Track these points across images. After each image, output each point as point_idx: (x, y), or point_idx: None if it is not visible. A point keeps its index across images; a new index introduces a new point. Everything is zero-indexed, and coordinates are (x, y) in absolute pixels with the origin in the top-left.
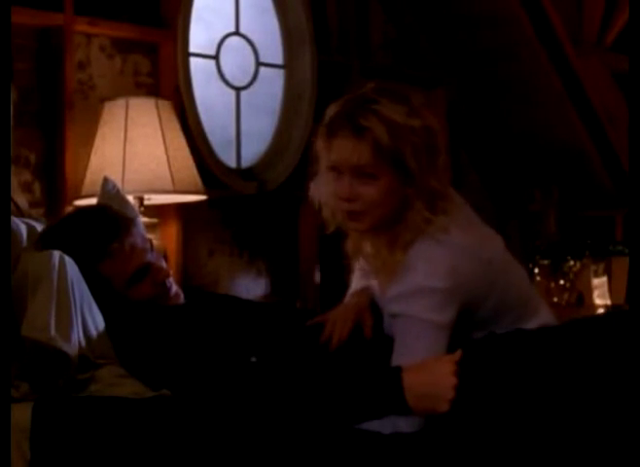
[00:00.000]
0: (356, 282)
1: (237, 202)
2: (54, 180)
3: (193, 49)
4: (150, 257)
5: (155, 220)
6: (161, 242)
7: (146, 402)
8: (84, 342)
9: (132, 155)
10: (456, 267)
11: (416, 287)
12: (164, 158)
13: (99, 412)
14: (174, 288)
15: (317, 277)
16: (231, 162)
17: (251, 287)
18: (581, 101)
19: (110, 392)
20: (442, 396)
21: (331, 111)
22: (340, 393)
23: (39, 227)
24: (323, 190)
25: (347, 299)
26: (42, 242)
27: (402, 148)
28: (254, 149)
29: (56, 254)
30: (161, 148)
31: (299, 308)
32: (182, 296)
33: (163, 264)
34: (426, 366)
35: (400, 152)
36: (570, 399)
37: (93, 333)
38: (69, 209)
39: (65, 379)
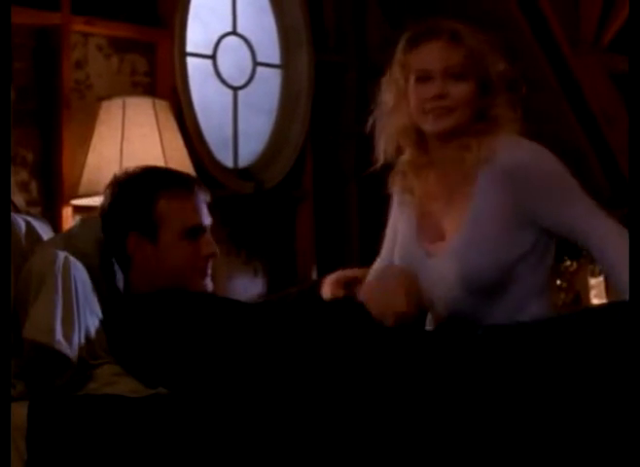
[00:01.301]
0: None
1: (234, 202)
2: (51, 179)
3: (190, 48)
4: (207, 223)
5: None
6: None
7: (142, 400)
8: (83, 344)
9: (129, 154)
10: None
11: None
12: (161, 157)
13: (95, 410)
14: (208, 280)
15: (314, 277)
16: (229, 162)
17: (248, 286)
18: (578, 102)
19: (107, 390)
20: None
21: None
22: None
23: (36, 223)
24: (398, 108)
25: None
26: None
27: (486, 56)
28: (251, 148)
29: (62, 254)
30: (159, 147)
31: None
32: (210, 288)
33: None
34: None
35: (485, 59)
36: (571, 392)
37: (92, 334)
38: (66, 209)
39: (62, 380)
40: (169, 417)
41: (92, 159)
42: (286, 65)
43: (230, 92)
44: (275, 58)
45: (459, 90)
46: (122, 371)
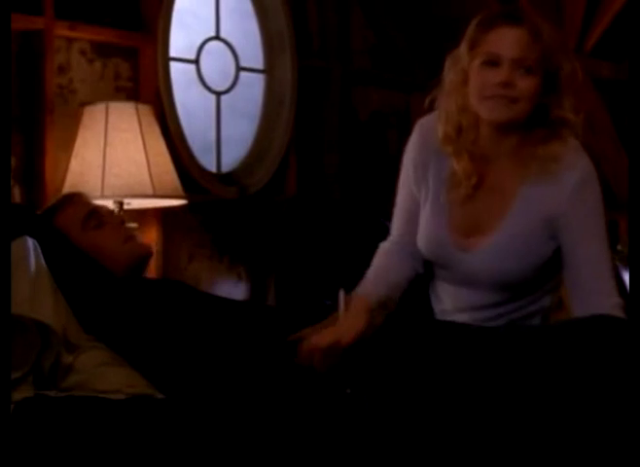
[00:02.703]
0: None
1: (218, 207)
2: (34, 184)
3: (173, 53)
4: (98, 208)
5: (135, 224)
6: None
7: (127, 403)
8: (64, 321)
9: (112, 159)
10: None
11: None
12: (144, 162)
13: (80, 415)
14: (139, 240)
15: None
16: (212, 167)
17: (231, 292)
18: None
19: (92, 385)
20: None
21: (479, 19)
22: None
23: None
24: (459, 95)
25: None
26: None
27: (558, 55)
28: (234, 154)
29: (30, 240)
30: (142, 152)
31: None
32: (151, 247)
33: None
34: None
35: (557, 58)
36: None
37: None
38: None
39: (51, 359)
40: (156, 421)
41: (75, 163)
42: (269, 70)
43: (213, 97)
44: (259, 63)
45: (526, 83)
46: (107, 359)
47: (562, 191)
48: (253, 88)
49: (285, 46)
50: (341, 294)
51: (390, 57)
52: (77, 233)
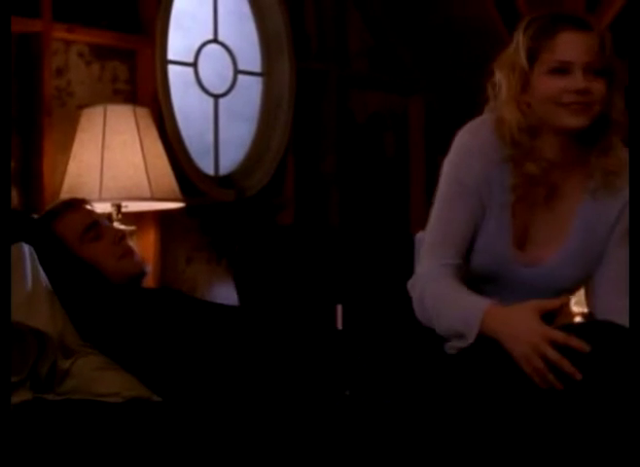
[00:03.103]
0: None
1: (215, 210)
2: (32, 187)
3: (171, 56)
4: (100, 220)
5: (132, 227)
6: (139, 250)
7: (124, 406)
8: (61, 327)
9: (110, 162)
10: None
11: None
12: (142, 165)
13: (78, 417)
14: (137, 255)
15: None
16: (210, 170)
17: (229, 294)
18: None
19: (89, 389)
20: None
21: (530, 20)
22: None
23: None
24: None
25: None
26: None
27: (612, 52)
28: (232, 156)
29: (26, 246)
30: (139, 155)
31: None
32: (148, 266)
33: (121, 231)
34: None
35: (615, 58)
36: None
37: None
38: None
39: (47, 365)
40: (153, 423)
41: (73, 166)
42: (267, 73)
43: (211, 100)
44: (256, 66)
45: (600, 87)
46: (103, 364)
47: (619, 205)
48: (251, 90)
49: (283, 49)
50: (339, 308)
51: (388, 60)
52: (74, 243)
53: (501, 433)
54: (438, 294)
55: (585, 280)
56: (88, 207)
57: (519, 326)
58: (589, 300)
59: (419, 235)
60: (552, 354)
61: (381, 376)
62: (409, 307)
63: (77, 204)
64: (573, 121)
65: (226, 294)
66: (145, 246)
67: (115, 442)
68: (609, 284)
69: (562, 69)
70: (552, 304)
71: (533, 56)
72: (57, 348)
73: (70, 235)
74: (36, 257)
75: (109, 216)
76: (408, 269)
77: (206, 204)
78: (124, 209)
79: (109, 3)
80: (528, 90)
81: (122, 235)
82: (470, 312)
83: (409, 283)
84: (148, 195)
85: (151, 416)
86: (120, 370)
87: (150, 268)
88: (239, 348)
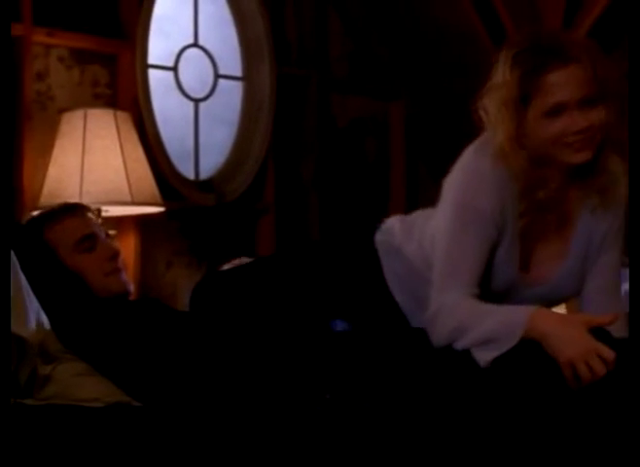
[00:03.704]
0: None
1: (196, 214)
2: (12, 190)
3: (151, 60)
4: (98, 232)
5: (113, 232)
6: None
7: (105, 411)
8: (41, 333)
9: (91, 166)
10: None
11: None
12: (122, 169)
13: (58, 422)
14: (124, 275)
15: None
16: (190, 174)
17: None
18: None
19: (70, 394)
20: (568, 339)
21: (515, 54)
22: None
23: None
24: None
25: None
26: None
27: (607, 74)
28: (212, 161)
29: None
30: (120, 159)
31: None
32: (131, 285)
33: (116, 248)
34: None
35: (608, 77)
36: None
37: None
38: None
39: (27, 371)
40: (134, 427)
41: (54, 170)
42: (248, 77)
43: (191, 104)
44: (237, 71)
45: (598, 116)
46: (83, 370)
47: (610, 216)
48: (231, 95)
49: (263, 53)
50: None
51: (368, 65)
52: (65, 250)
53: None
54: (472, 306)
55: (574, 294)
56: (90, 216)
57: (573, 332)
58: (581, 304)
59: (390, 221)
60: (599, 367)
61: (362, 379)
62: (388, 310)
63: (78, 210)
64: (578, 157)
65: None
66: (125, 250)
67: (96, 444)
68: (599, 289)
69: (558, 110)
70: (603, 320)
71: (525, 99)
72: (37, 355)
73: (64, 241)
74: (18, 264)
75: None
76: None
77: (186, 209)
78: (104, 214)
79: (90, 7)
80: (526, 128)
81: (116, 253)
82: (515, 315)
83: (427, 318)
84: (128, 199)
85: (133, 420)
86: (100, 376)
87: (131, 285)
88: (216, 355)
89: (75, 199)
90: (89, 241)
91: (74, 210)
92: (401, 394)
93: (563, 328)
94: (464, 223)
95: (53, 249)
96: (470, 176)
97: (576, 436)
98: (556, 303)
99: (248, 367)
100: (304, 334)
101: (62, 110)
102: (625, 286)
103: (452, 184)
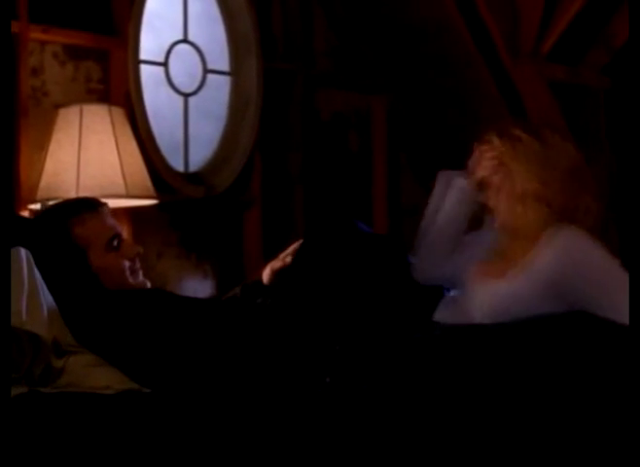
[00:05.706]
0: None
1: (185, 206)
2: (10, 185)
3: (143, 56)
4: (121, 230)
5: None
6: None
7: (116, 397)
8: (54, 328)
9: (86, 160)
10: None
11: None
12: (118, 163)
13: (72, 407)
14: (141, 276)
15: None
16: (179, 167)
17: (198, 288)
18: (517, 109)
19: (82, 383)
20: None
21: None
22: None
23: None
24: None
25: None
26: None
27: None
28: (201, 154)
29: (23, 250)
30: (115, 154)
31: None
32: (149, 284)
33: (138, 248)
34: None
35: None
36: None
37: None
38: (24, 214)
39: (41, 366)
40: (145, 412)
41: (50, 165)
42: (236, 72)
43: (181, 99)
44: (225, 66)
45: None
46: (94, 361)
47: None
48: (220, 89)
49: (251, 49)
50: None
51: (351, 60)
52: (96, 250)
53: (481, 418)
54: None
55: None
56: (107, 213)
57: None
58: None
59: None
60: None
61: (361, 362)
62: (386, 294)
63: (100, 207)
64: None
65: (194, 287)
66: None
67: (109, 427)
68: None
69: None
70: None
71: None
72: (51, 351)
73: (97, 240)
74: (32, 261)
75: None
76: (378, 261)
77: (176, 201)
78: None
79: (83, 4)
80: None
81: (138, 253)
82: None
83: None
84: (123, 192)
85: (143, 405)
86: (109, 366)
87: (149, 284)
88: (219, 341)
89: (72, 194)
90: (117, 240)
91: (96, 207)
92: (400, 378)
93: None
94: None
95: (83, 247)
96: None
97: (576, 433)
98: None
99: (250, 353)
100: (305, 320)
101: (56, 105)
102: None
103: None
